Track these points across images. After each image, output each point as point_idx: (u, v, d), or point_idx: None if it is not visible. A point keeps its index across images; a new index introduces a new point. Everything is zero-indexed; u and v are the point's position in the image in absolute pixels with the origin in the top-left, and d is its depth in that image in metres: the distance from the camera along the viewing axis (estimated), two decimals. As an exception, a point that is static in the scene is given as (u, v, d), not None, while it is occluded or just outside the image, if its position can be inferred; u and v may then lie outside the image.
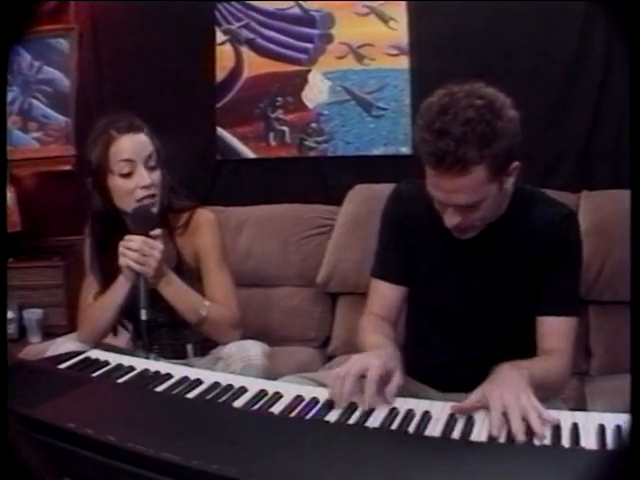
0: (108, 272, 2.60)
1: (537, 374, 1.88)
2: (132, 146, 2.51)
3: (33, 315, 4.15)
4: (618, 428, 1.54)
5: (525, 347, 2.09)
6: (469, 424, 1.61)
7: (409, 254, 2.26)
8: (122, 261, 2.45)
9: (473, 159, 1.84)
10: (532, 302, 2.13)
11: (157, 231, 2.48)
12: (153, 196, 2.53)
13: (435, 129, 1.86)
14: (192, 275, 2.64)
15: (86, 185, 2.60)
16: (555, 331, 2.09)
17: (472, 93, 1.90)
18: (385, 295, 2.29)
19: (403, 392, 1.87)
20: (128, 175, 2.50)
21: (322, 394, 1.80)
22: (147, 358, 2.38)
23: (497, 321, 2.18)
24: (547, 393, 1.98)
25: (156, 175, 2.55)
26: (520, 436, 1.55)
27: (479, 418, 1.64)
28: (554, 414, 1.63)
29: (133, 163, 2.50)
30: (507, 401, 1.64)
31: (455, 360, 2.22)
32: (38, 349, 3.26)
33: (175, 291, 2.53)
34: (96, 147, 2.53)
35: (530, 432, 1.56)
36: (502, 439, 1.55)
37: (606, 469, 1.14)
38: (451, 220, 1.99)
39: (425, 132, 1.89)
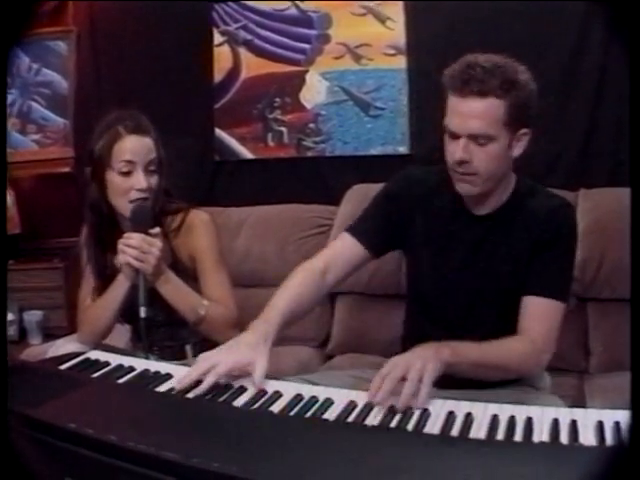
0: (103, 264, 2.62)
1: (476, 355, 1.96)
2: (136, 148, 2.52)
3: (33, 317, 4.16)
4: (617, 425, 1.55)
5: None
6: (468, 421, 1.62)
7: (394, 231, 2.34)
8: (121, 258, 2.46)
9: (494, 89, 2.02)
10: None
11: (156, 229, 2.49)
12: (146, 199, 2.53)
13: (465, 62, 2.07)
14: (188, 275, 2.64)
15: (84, 173, 2.62)
16: (534, 312, 2.13)
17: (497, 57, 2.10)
18: (343, 246, 2.35)
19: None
20: (126, 174, 2.51)
21: (322, 393, 1.80)
22: (147, 359, 2.39)
23: (493, 308, 2.23)
24: (511, 374, 2.13)
25: (153, 180, 2.56)
26: (378, 398, 1.69)
27: (477, 416, 1.65)
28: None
29: (133, 164, 2.51)
30: (397, 363, 1.75)
31: None
32: (38, 351, 3.27)
33: (173, 290, 2.54)
34: (101, 139, 2.54)
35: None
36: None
37: (606, 466, 1.15)
38: (458, 152, 2.09)
39: (456, 65, 2.09)
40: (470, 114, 2.05)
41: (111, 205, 2.57)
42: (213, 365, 1.86)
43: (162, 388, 1.89)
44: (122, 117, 2.57)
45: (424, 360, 1.75)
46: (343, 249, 2.33)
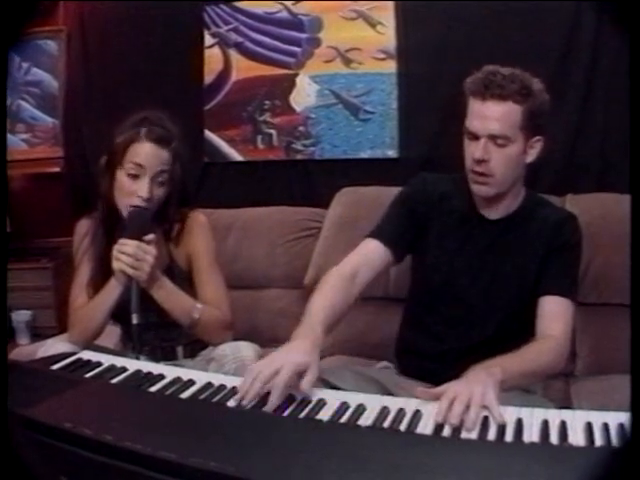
0: (104, 255, 2.59)
1: (518, 368, 2.01)
2: (149, 156, 2.51)
3: (22, 317, 4.16)
4: (605, 426, 1.57)
5: (518, 340, 2.15)
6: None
7: (414, 233, 2.41)
8: (116, 265, 2.45)
9: (513, 94, 2.17)
10: (532, 294, 2.28)
11: (151, 236, 2.49)
12: (146, 209, 2.53)
13: (487, 70, 2.22)
14: (183, 277, 2.65)
15: (99, 162, 2.63)
16: (553, 311, 2.23)
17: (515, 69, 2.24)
18: (370, 250, 2.37)
19: (395, 390, 1.92)
20: (134, 177, 2.51)
21: (314, 394, 1.83)
22: (137, 359, 2.39)
23: (501, 308, 2.33)
24: (543, 377, 2.28)
25: (160, 191, 2.55)
26: (453, 420, 1.64)
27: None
28: (504, 414, 1.68)
29: (143, 169, 2.50)
30: (459, 391, 1.73)
31: (453, 348, 2.31)
32: (28, 351, 3.26)
33: (167, 295, 2.54)
34: (123, 135, 2.55)
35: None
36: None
37: (597, 467, 1.17)
38: (478, 152, 2.21)
39: (478, 73, 2.23)
40: (490, 116, 2.19)
41: (115, 202, 2.57)
42: (275, 371, 1.80)
43: (155, 388, 1.90)
44: (150, 120, 2.57)
45: (484, 386, 1.77)
46: (369, 254, 2.37)
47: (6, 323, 3.86)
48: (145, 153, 2.52)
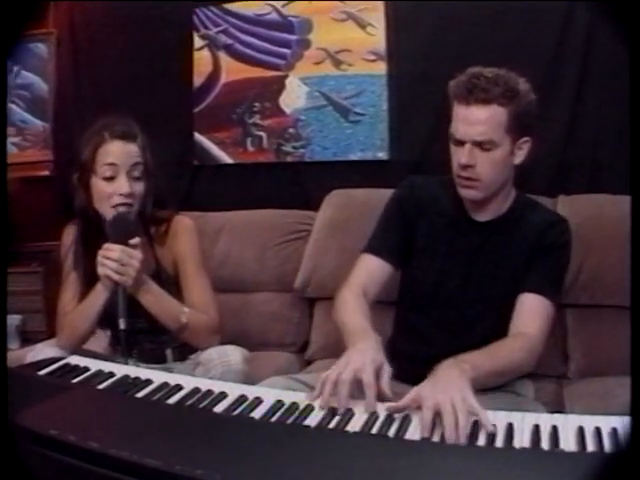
0: (89, 269, 2.59)
1: (489, 365, 1.99)
2: (119, 153, 2.53)
3: (11, 321, 4.13)
4: (597, 430, 1.55)
5: None
6: (449, 427, 1.63)
7: (408, 238, 2.42)
8: (101, 270, 2.44)
9: (497, 97, 2.15)
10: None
11: (136, 240, 2.48)
12: (130, 205, 2.52)
13: (470, 73, 2.20)
14: (170, 282, 2.65)
15: (72, 180, 2.63)
16: (530, 309, 2.23)
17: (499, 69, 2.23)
18: (372, 268, 2.41)
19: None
20: (110, 179, 2.51)
21: (303, 399, 1.81)
22: (126, 364, 2.38)
23: (492, 310, 2.32)
24: (515, 375, 2.23)
25: (138, 186, 2.55)
26: (450, 434, 1.59)
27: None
28: (490, 416, 1.65)
29: (117, 168, 2.51)
30: (440, 400, 1.67)
31: (443, 352, 2.28)
32: (17, 355, 3.24)
33: (154, 299, 2.53)
34: (87, 146, 2.56)
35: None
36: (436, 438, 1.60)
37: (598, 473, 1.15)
38: (463, 157, 2.20)
39: (461, 77, 2.21)
40: (475, 121, 2.18)
41: (97, 212, 2.56)
42: (357, 370, 1.81)
43: (142, 394, 1.88)
44: (110, 123, 2.58)
45: (460, 390, 1.72)
46: (372, 272, 2.40)
47: (5, 325, 3.83)
48: (115, 151, 2.53)
